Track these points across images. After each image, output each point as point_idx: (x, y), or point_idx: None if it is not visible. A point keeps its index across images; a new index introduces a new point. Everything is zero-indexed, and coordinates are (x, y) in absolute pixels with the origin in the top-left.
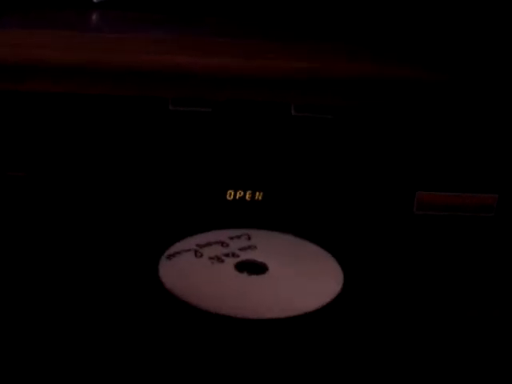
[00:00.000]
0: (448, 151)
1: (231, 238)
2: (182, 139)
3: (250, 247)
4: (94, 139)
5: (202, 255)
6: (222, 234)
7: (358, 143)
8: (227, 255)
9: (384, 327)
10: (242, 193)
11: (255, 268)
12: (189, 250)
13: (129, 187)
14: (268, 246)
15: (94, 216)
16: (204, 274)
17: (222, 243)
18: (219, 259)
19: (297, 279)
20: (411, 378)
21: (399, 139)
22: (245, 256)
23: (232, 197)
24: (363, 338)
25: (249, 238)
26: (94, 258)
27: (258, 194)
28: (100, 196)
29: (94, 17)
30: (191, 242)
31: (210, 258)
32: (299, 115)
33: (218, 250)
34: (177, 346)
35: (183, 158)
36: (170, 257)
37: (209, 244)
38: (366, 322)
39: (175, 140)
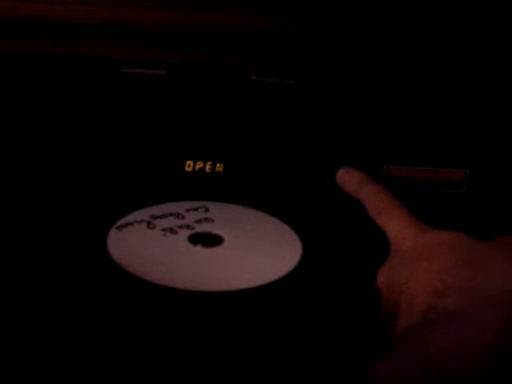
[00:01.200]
0: (418, 124)
1: (188, 210)
2: (136, 105)
3: (206, 219)
4: (42, 103)
5: (154, 226)
6: (179, 206)
7: (323, 112)
8: (181, 227)
9: (340, 299)
10: (202, 164)
11: (210, 240)
12: (141, 222)
13: (83, 156)
14: (226, 218)
15: (47, 185)
16: (155, 245)
17: (178, 215)
18: (173, 231)
19: (253, 252)
20: (364, 346)
21: (367, 109)
22: (200, 228)
23: (191, 168)
24: (319, 309)
25: (206, 210)
26: (44, 228)
27: (218, 165)
28: (54, 164)
29: None
30: (145, 213)
31: (163, 230)
32: (259, 79)
33: (172, 222)
34: (122, 319)
35: (139, 126)
36: (120, 227)
37: (164, 216)
38: (321, 295)
39: (128, 106)
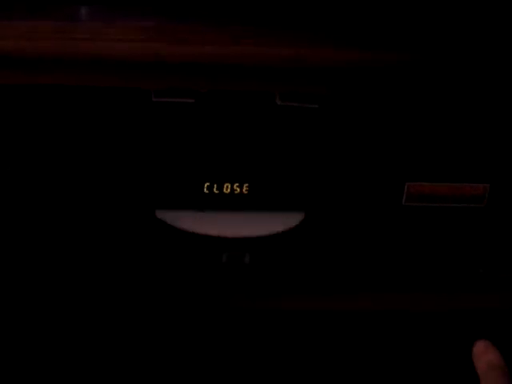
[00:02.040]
0: (438, 140)
1: None
2: (167, 132)
3: None
4: (80, 132)
5: None
6: None
7: (345, 133)
8: None
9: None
10: (230, 186)
11: None
12: None
13: (118, 178)
14: None
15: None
16: None
17: None
18: None
19: None
20: None
21: (388, 129)
22: None
23: (218, 191)
24: None
25: None
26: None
27: (245, 187)
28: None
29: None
30: None
31: None
32: (284, 104)
33: None
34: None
35: (170, 152)
36: None
37: None
38: None
39: (160, 133)
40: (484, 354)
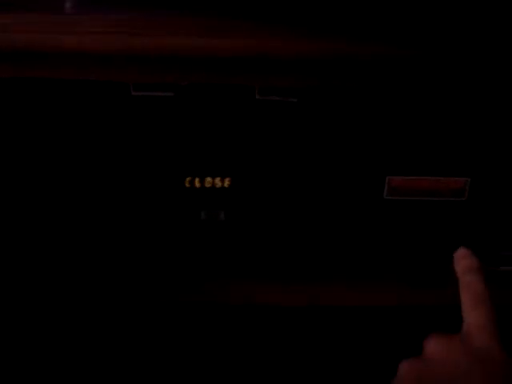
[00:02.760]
0: (418, 135)
1: None
2: (146, 125)
3: None
4: (60, 125)
5: None
6: None
7: (325, 127)
8: None
9: None
10: (211, 180)
11: None
12: None
13: (97, 172)
14: None
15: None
16: None
17: None
18: None
19: None
20: None
21: (368, 123)
22: None
23: (200, 184)
24: None
25: None
26: None
27: (226, 180)
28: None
29: None
30: None
31: None
32: (264, 98)
33: None
34: None
35: (149, 145)
36: None
37: None
38: None
39: (139, 126)
40: (463, 259)
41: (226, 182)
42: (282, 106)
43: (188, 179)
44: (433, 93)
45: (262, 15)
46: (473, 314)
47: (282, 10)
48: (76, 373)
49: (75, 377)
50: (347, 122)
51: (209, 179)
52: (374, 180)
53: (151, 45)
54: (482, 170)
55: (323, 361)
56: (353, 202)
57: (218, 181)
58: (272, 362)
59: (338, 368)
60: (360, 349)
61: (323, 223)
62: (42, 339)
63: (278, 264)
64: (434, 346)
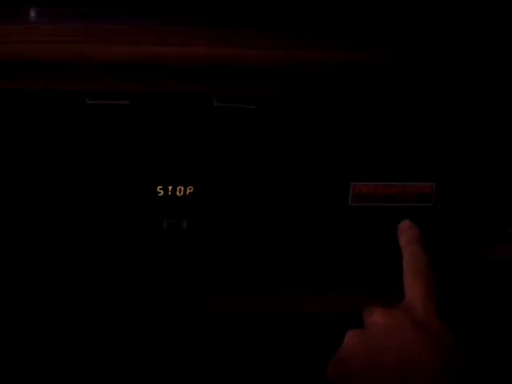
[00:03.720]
0: (381, 139)
1: None
2: (102, 134)
3: None
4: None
5: None
6: None
7: (286, 134)
8: None
9: None
10: (172, 188)
11: None
12: None
13: (55, 184)
14: None
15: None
16: None
17: None
18: None
19: None
20: None
21: (331, 129)
22: None
23: (162, 192)
24: None
25: None
26: None
27: (188, 188)
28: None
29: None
30: None
31: None
32: (221, 105)
33: None
34: None
35: (106, 154)
36: None
37: None
38: None
39: (94, 136)
40: (407, 230)
41: (188, 191)
42: (241, 113)
43: (150, 188)
44: (397, 99)
45: (216, 19)
46: (414, 285)
47: (236, 12)
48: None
49: None
50: (310, 128)
51: (170, 187)
52: (338, 187)
53: (105, 53)
54: (447, 175)
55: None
56: (318, 209)
57: (179, 189)
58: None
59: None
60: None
61: (288, 230)
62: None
63: (240, 273)
64: (378, 317)
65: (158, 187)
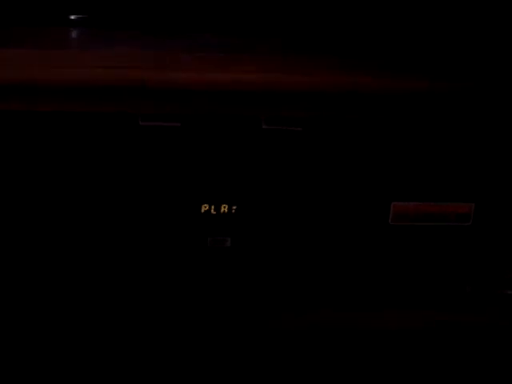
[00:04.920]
0: (423, 161)
1: None
2: (154, 155)
3: None
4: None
5: None
6: None
7: (330, 155)
8: None
9: None
10: (218, 207)
11: None
12: None
13: (107, 202)
14: None
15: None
16: None
17: None
18: None
19: None
20: None
21: (373, 150)
22: None
23: (207, 209)
24: None
25: None
26: None
27: (233, 207)
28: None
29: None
30: None
31: None
32: (269, 128)
33: None
34: None
35: (158, 174)
36: None
37: None
38: None
39: (147, 156)
40: None
41: (232, 209)
42: (289, 135)
43: (195, 206)
44: (438, 122)
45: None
46: None
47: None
48: None
49: None
50: (354, 150)
51: (215, 206)
52: (379, 206)
53: (157, 78)
54: (486, 195)
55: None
56: (358, 228)
57: (224, 207)
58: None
59: None
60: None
61: (330, 248)
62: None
63: (281, 289)
64: None
65: (203, 205)
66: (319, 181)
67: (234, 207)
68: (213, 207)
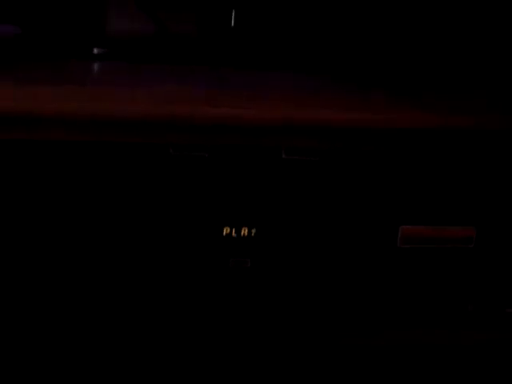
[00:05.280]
0: (427, 187)
1: None
2: (184, 182)
3: None
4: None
5: None
6: None
7: (343, 182)
8: None
9: None
10: (239, 229)
11: None
12: None
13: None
14: None
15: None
16: None
17: None
18: None
19: None
20: None
21: (381, 179)
22: None
23: (228, 232)
24: None
25: None
26: None
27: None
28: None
29: (96, 68)
30: None
31: None
32: (289, 158)
33: None
34: None
35: (187, 199)
36: None
37: None
38: None
39: (178, 182)
40: None
41: (252, 232)
42: (306, 164)
43: (217, 229)
44: (438, 146)
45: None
46: None
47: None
48: None
49: None
50: (366, 179)
51: (235, 229)
52: (388, 230)
53: (188, 113)
54: (487, 220)
55: None
56: (369, 251)
57: (244, 230)
58: None
59: None
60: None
61: (341, 269)
62: None
63: (296, 308)
64: None
65: (225, 228)
66: (335, 206)
67: (254, 230)
68: (234, 230)
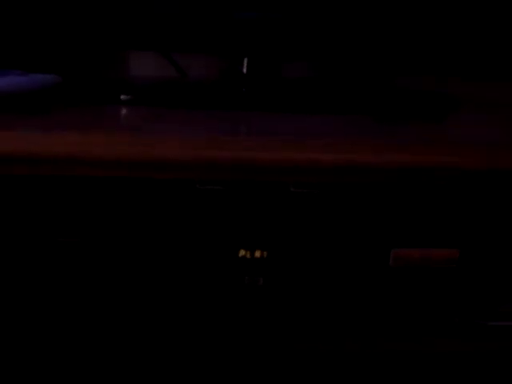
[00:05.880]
0: (416, 214)
1: None
2: (205, 211)
3: None
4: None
5: None
6: None
7: (340, 212)
8: None
9: None
10: (252, 252)
11: None
12: None
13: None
14: None
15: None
16: None
17: None
18: None
19: None
20: None
21: (376, 207)
22: None
23: (244, 255)
24: None
25: None
26: None
27: (265, 253)
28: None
29: (127, 113)
30: None
31: None
32: (296, 191)
33: None
34: None
35: (207, 226)
36: None
37: None
38: None
39: (201, 211)
40: None
41: (264, 254)
42: (309, 196)
43: (236, 251)
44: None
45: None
46: None
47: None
48: None
49: None
50: (361, 208)
51: (251, 251)
52: (380, 253)
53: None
54: (469, 243)
55: None
56: (365, 271)
57: (258, 252)
58: None
59: None
60: None
61: (341, 288)
62: None
63: (302, 323)
64: None
65: (241, 250)
66: (335, 232)
67: (266, 253)
68: (248, 252)
